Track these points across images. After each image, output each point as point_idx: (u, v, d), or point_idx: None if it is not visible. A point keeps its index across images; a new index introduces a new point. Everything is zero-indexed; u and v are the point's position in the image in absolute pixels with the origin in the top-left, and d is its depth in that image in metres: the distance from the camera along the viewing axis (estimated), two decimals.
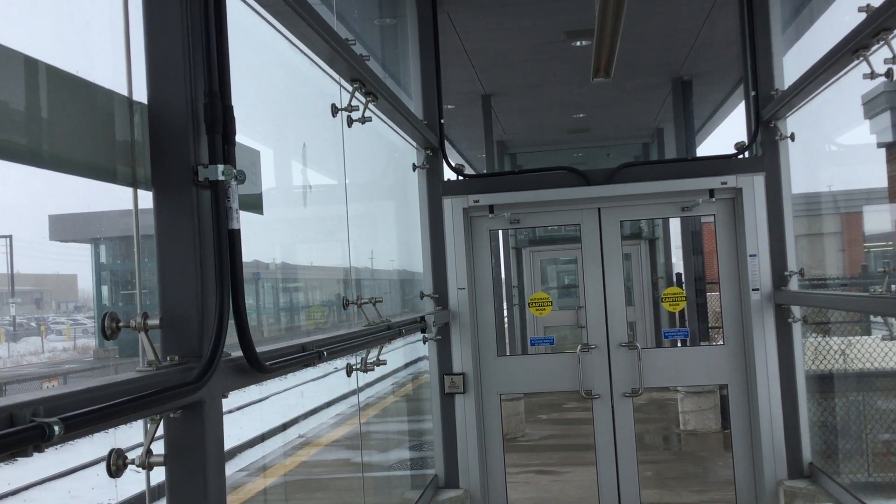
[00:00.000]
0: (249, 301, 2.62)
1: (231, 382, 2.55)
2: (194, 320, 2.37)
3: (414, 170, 6.67)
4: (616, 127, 14.37)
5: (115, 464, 2.12)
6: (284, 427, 10.81)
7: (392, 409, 7.88)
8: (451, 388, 6.57)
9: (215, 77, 2.47)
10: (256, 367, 2.61)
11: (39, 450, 1.64)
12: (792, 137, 6.22)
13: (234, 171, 2.46)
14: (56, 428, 1.63)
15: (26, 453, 1.62)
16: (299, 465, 7.27)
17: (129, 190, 2.46)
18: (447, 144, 6.90)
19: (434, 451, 6.68)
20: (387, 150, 6.61)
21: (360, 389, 5.30)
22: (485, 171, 13.84)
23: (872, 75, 4.40)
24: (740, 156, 6.42)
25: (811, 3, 7.07)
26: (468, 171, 7.02)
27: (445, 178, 6.75)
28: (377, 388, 7.97)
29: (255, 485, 6.15)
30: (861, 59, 4.45)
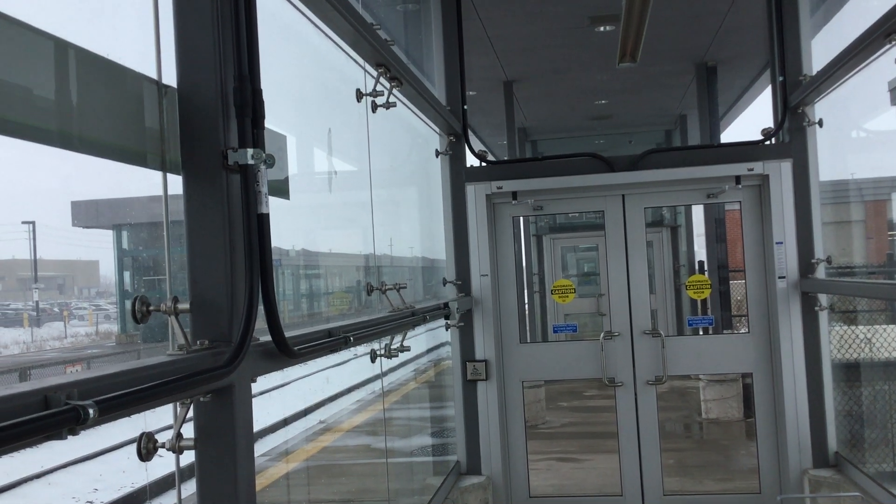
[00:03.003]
0: None
1: (260, 367, 2.55)
2: (224, 305, 2.37)
3: (437, 156, 6.64)
4: (638, 113, 14.27)
5: (146, 447, 2.12)
6: (305, 413, 10.86)
7: (414, 395, 7.89)
8: (473, 375, 6.56)
9: (245, 60, 2.45)
10: (285, 352, 2.61)
11: (74, 433, 1.64)
12: (820, 123, 6.14)
13: (264, 155, 2.45)
14: (91, 411, 1.62)
15: (61, 436, 1.62)
16: (321, 450, 7.30)
17: (153, 175, 2.45)
18: (469, 131, 6.87)
19: (456, 437, 6.68)
20: (410, 135, 6.59)
21: (384, 374, 5.30)
22: (506, 158, 13.79)
23: None
24: (767, 142, 6.35)
25: None
26: (490, 157, 6.99)
27: (468, 165, 6.72)
28: (399, 374, 7.99)
29: (278, 469, 6.17)
30: (893, 43, 4.38)
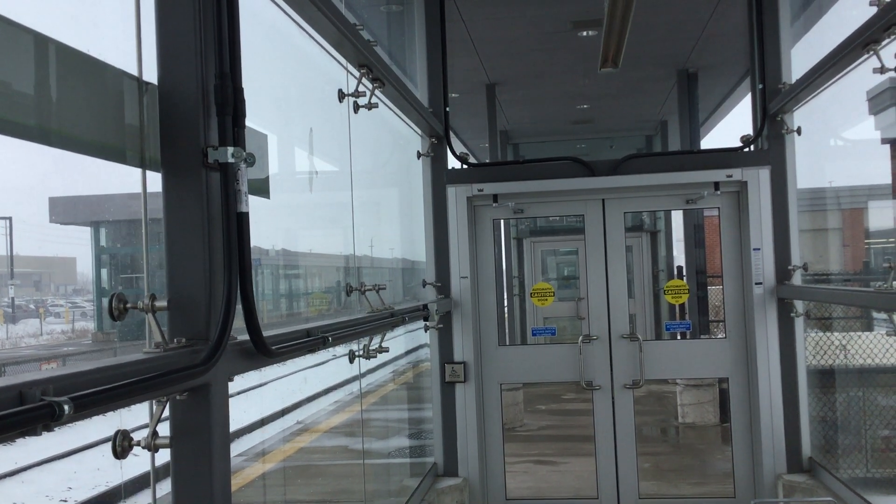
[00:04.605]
0: None
1: (237, 366, 2.54)
2: (202, 303, 2.36)
3: (418, 157, 6.65)
4: (620, 118, 14.34)
5: (121, 445, 2.11)
6: (283, 413, 10.82)
7: (392, 396, 7.88)
8: (451, 377, 6.56)
9: (226, 58, 2.45)
10: (263, 351, 2.60)
11: (48, 429, 1.63)
12: (798, 131, 6.20)
13: (244, 153, 2.45)
14: (66, 407, 1.62)
15: (35, 432, 1.61)
16: (298, 450, 7.28)
17: (132, 172, 2.44)
18: (451, 133, 6.88)
19: (434, 439, 6.68)
20: (391, 137, 6.59)
21: (362, 375, 5.30)
22: (487, 161, 13.81)
23: (882, 70, 4.38)
24: (746, 149, 6.41)
25: None
26: (472, 160, 7.00)
27: (450, 167, 6.73)
28: (377, 375, 7.98)
29: (255, 469, 6.15)
30: (871, 53, 4.43)
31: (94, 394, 1.77)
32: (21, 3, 2.07)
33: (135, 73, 2.42)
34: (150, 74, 2.44)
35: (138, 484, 11.36)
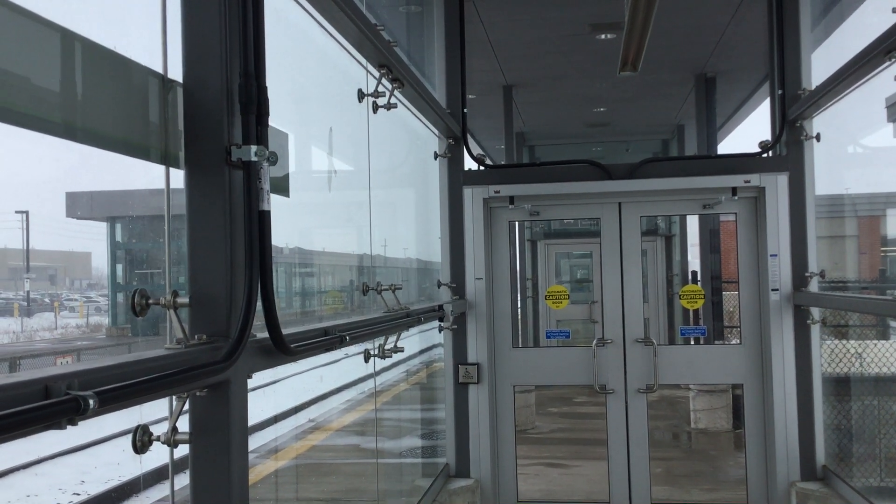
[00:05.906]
0: None
1: (257, 363, 2.56)
2: (223, 300, 2.38)
3: (435, 158, 6.65)
4: (636, 122, 14.31)
5: (141, 440, 2.13)
6: (296, 411, 10.84)
7: (405, 396, 7.89)
8: (465, 378, 6.56)
9: (251, 57, 2.46)
10: (282, 349, 2.62)
11: (73, 423, 1.64)
12: (818, 138, 6.17)
13: (267, 152, 2.46)
14: (91, 402, 1.63)
15: (60, 426, 1.62)
16: (310, 448, 7.31)
17: (152, 168, 2.44)
18: (468, 134, 6.88)
19: (446, 440, 6.68)
20: (409, 137, 6.60)
21: (377, 374, 5.31)
22: (503, 163, 13.80)
23: None
24: (764, 154, 6.38)
25: (841, 2, 7.00)
26: (488, 161, 7.00)
27: (466, 168, 6.73)
28: (390, 374, 7.99)
29: (267, 466, 6.17)
30: (893, 60, 4.41)
31: (118, 388, 1.78)
32: (50, 0, 2.08)
33: (160, 70, 2.43)
34: (175, 72, 2.45)
35: (148, 480, 11.43)
